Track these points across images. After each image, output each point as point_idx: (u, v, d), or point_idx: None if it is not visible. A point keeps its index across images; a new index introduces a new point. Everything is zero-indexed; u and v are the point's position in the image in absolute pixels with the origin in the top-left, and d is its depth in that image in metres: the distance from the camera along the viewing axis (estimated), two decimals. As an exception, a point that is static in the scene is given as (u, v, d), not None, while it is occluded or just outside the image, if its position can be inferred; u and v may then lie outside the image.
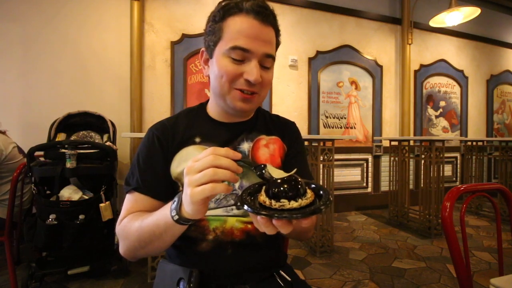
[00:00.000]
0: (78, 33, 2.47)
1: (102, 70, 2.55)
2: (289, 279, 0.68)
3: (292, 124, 0.80)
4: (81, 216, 1.54)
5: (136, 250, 0.56)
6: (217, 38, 0.61)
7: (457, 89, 4.09)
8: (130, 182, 0.64)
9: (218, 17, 0.60)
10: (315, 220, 0.65)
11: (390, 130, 3.68)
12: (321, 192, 0.43)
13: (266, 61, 0.61)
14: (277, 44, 0.66)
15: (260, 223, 0.39)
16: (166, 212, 0.49)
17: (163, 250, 0.55)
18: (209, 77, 0.66)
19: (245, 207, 0.39)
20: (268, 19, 0.60)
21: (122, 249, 0.58)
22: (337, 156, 3.13)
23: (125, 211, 0.62)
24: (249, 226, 0.65)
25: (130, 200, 0.63)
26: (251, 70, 0.58)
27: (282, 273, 0.69)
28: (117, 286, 1.65)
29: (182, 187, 0.63)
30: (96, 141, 2.06)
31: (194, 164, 0.42)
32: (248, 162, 0.67)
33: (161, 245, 0.53)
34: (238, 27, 0.58)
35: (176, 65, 2.77)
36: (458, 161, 4.08)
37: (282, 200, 0.39)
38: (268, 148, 0.70)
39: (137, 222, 0.55)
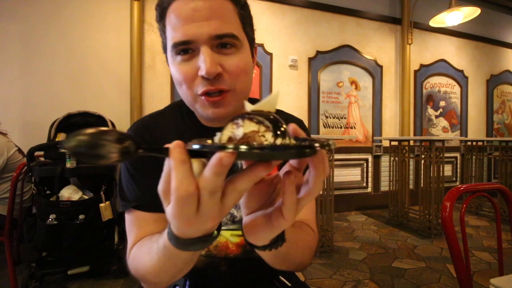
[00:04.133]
0: (78, 33, 2.47)
1: (102, 70, 2.55)
2: (288, 284, 0.65)
3: (299, 122, 0.64)
4: (81, 216, 1.54)
5: (151, 284, 0.44)
6: (164, 42, 0.50)
7: (457, 89, 4.09)
8: (129, 197, 0.52)
9: (158, 16, 0.50)
10: (316, 242, 0.54)
11: (390, 130, 3.68)
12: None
13: (224, 43, 0.47)
14: (242, 15, 0.50)
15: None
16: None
17: (180, 277, 0.42)
18: None
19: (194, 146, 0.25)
20: None
21: (142, 283, 0.46)
22: (337, 156, 3.13)
23: (134, 236, 0.50)
24: None
25: (134, 221, 0.51)
26: (202, 62, 0.45)
27: (282, 278, 0.66)
28: (117, 286, 1.65)
29: None
30: (96, 141, 2.05)
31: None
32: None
33: (177, 272, 0.40)
34: (174, 18, 0.46)
35: (176, 65, 2.77)
36: (458, 161, 4.08)
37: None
38: None
39: (146, 252, 0.42)
